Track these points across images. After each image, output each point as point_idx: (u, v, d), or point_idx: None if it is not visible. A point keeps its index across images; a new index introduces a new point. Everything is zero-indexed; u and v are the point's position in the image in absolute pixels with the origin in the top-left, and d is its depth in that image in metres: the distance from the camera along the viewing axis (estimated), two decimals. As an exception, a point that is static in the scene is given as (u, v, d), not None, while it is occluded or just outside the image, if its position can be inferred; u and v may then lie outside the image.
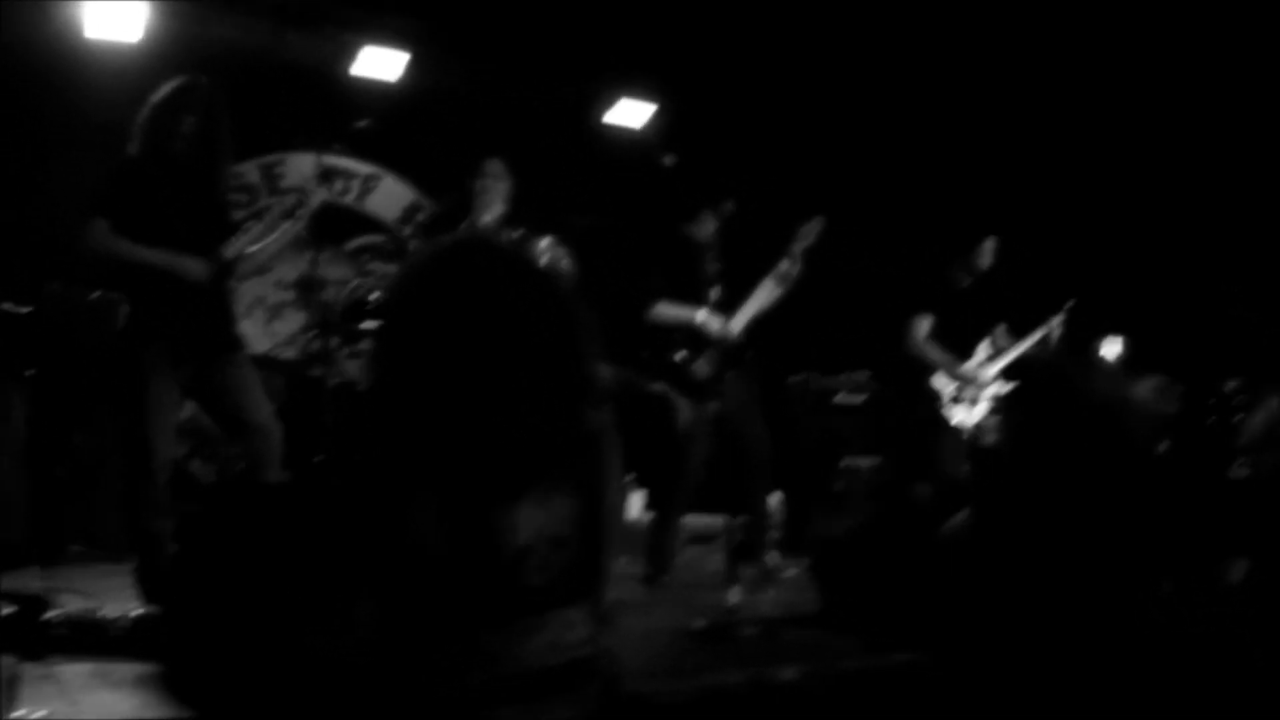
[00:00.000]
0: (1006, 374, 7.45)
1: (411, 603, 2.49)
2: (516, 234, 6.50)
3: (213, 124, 5.48)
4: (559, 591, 2.53)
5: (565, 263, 6.30)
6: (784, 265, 6.94)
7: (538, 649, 2.49)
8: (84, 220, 5.28)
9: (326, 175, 5.81)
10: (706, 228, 6.98)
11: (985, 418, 7.41)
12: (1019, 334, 7.67)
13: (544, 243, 6.36)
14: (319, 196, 5.68)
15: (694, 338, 6.78)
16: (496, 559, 2.45)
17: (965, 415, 7.41)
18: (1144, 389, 6.39)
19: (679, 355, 6.82)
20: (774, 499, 8.01)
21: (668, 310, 6.80)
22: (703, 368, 6.75)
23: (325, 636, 3.37)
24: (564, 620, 2.53)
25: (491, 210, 6.54)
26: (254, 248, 5.59)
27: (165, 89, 5.45)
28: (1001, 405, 7.43)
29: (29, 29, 7.59)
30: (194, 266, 5.36)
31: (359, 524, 2.54)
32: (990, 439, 7.44)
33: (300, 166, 5.79)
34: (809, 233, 7.02)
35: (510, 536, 2.45)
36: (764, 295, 6.98)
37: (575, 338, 2.50)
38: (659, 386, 6.61)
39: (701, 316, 6.67)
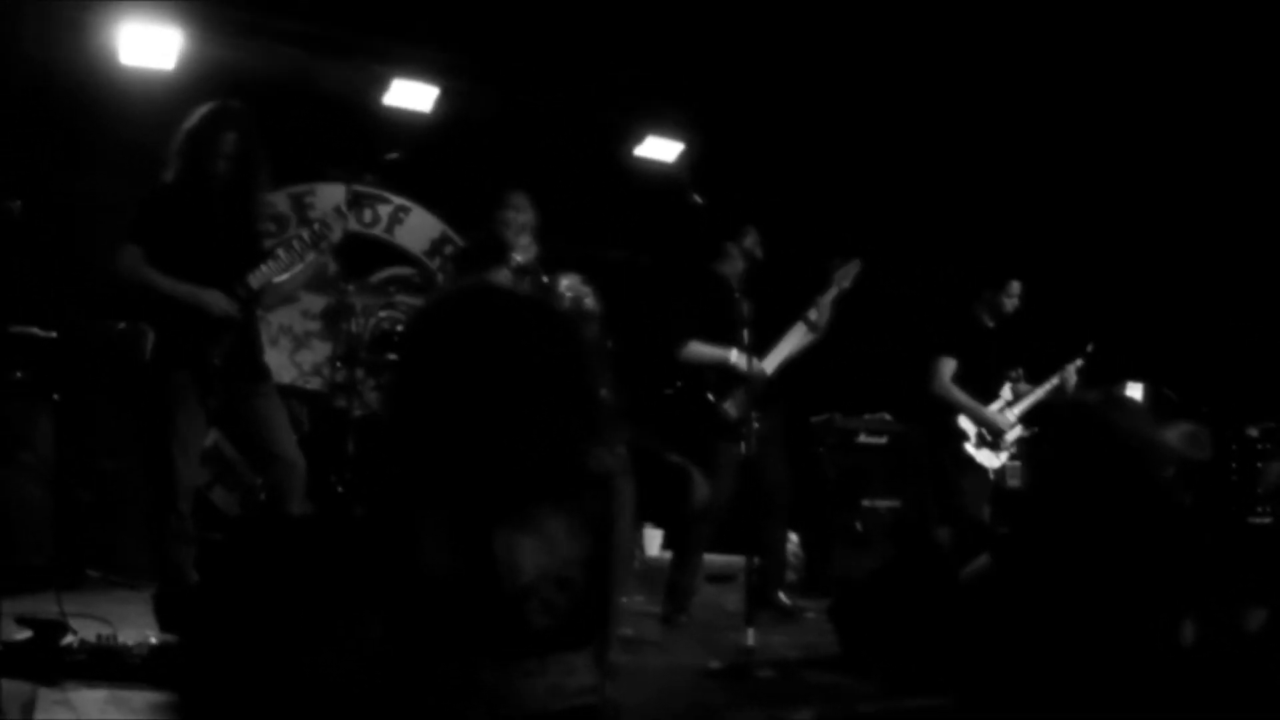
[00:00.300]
0: (1027, 419, 7.44)
1: (417, 631, 2.51)
2: (539, 272, 6.46)
3: (248, 147, 5.49)
4: (562, 635, 2.53)
5: (589, 300, 6.27)
6: (814, 314, 6.96)
7: (538, 692, 2.49)
8: (117, 246, 5.29)
9: (355, 203, 5.79)
10: (735, 265, 6.99)
11: (1009, 461, 7.40)
12: (1039, 378, 7.67)
13: (567, 280, 6.32)
14: (341, 226, 5.67)
15: (724, 377, 6.78)
16: (499, 596, 2.46)
17: (989, 459, 7.40)
18: (1175, 435, 6.36)
19: (709, 396, 6.83)
20: (792, 540, 8.00)
21: (701, 349, 6.81)
22: (732, 409, 6.76)
23: (334, 659, 3.39)
24: (566, 665, 2.53)
25: (519, 244, 6.54)
26: (280, 278, 5.59)
27: (201, 112, 5.47)
28: (1025, 448, 7.43)
29: (66, 56, 7.64)
30: (218, 301, 5.36)
31: (373, 549, 2.56)
32: (1014, 483, 7.43)
33: (330, 197, 5.81)
34: (847, 274, 7.05)
35: (513, 575, 2.46)
36: (795, 339, 6.99)
37: (585, 383, 2.56)
38: (676, 459, 6.57)
39: (734, 357, 6.67)
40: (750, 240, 7.04)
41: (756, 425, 6.52)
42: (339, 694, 3.64)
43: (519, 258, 6.45)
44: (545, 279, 6.35)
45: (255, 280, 5.43)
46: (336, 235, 5.68)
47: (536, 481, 2.49)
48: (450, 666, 2.48)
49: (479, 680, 2.47)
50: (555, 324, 2.58)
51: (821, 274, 7.15)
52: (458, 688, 2.48)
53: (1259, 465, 8.23)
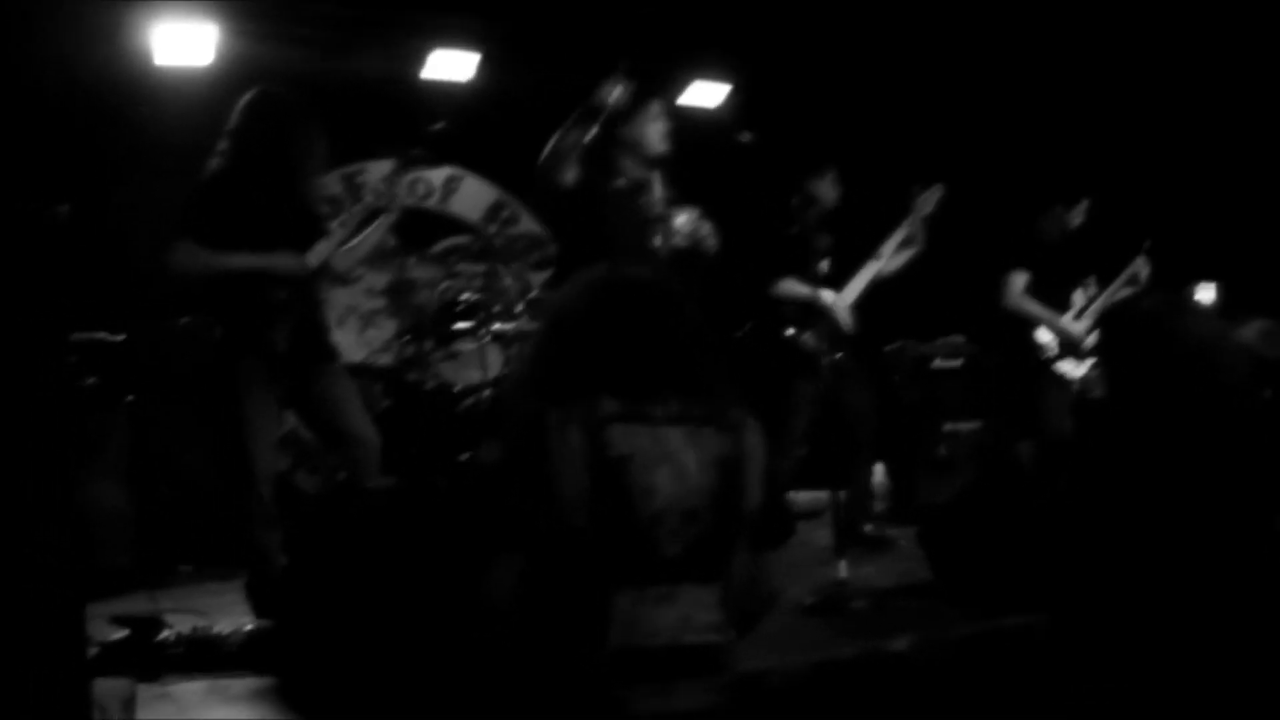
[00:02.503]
0: (1098, 322, 7.35)
1: (553, 559, 2.62)
2: (666, 199, 6.05)
3: (297, 129, 5.46)
4: (691, 566, 2.67)
5: (708, 237, 6.11)
6: (905, 233, 6.90)
7: (670, 623, 2.63)
8: (169, 244, 5.30)
9: (403, 169, 5.74)
10: (813, 203, 6.93)
11: (1090, 370, 7.33)
12: (1107, 283, 7.59)
13: (686, 216, 6.07)
14: (394, 193, 5.64)
15: (803, 311, 6.73)
16: (633, 520, 2.60)
17: (1071, 369, 7.34)
18: (1249, 332, 6.26)
19: (789, 330, 6.79)
20: (878, 470, 7.96)
21: (794, 286, 6.77)
22: (811, 341, 6.71)
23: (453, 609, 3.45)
24: (695, 598, 2.67)
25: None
26: (345, 246, 5.56)
27: (246, 99, 5.44)
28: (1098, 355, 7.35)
29: (102, 60, 7.67)
30: (285, 261, 5.33)
31: (514, 480, 2.66)
32: (1096, 392, 7.35)
33: (381, 173, 5.82)
34: (928, 200, 6.99)
35: (647, 499, 2.61)
36: (878, 266, 6.94)
37: (706, 348, 2.85)
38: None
39: (827, 297, 6.60)
40: (828, 179, 6.99)
41: (837, 358, 6.48)
42: (448, 643, 3.70)
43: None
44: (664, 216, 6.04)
45: (313, 259, 5.42)
46: (396, 201, 5.65)
47: (665, 409, 2.71)
48: (587, 593, 2.60)
49: (613, 604, 2.59)
50: (669, 301, 2.86)
51: (905, 200, 7.09)
52: (594, 614, 2.59)
53: None
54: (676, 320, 2.82)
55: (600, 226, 5.74)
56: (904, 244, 7.04)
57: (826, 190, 7.02)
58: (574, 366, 2.74)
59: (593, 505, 2.58)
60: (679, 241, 6.00)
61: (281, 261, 5.33)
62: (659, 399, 2.71)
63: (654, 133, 5.90)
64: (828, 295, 6.66)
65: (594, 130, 5.69)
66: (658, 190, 5.99)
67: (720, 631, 2.70)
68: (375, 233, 5.66)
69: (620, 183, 5.90)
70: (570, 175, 5.68)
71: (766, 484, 2.84)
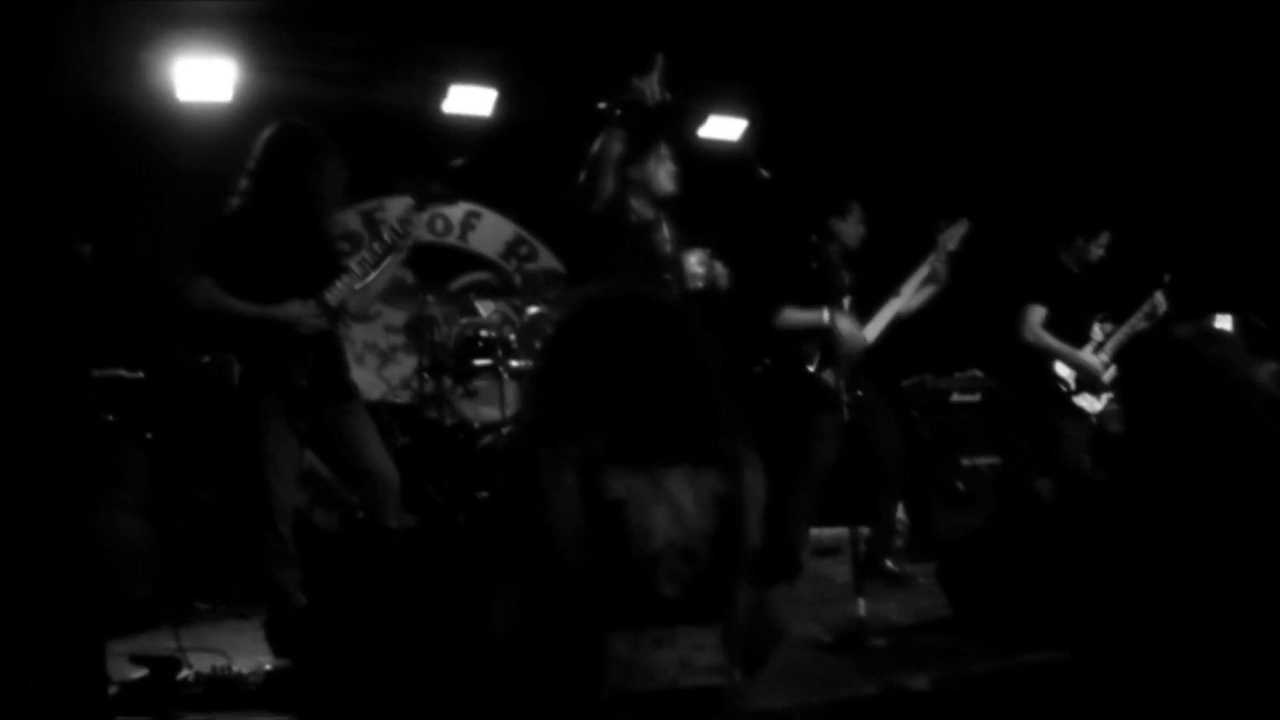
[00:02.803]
0: (1118, 357, 7.33)
1: (549, 602, 2.59)
2: (675, 239, 6.14)
3: (317, 164, 5.46)
4: (689, 607, 2.62)
5: (721, 276, 6.13)
6: (928, 270, 6.90)
7: (667, 665, 2.58)
8: (187, 280, 5.32)
9: (421, 207, 5.76)
10: (836, 240, 6.93)
11: (1108, 405, 7.31)
12: (1125, 315, 7.58)
13: (698, 255, 6.12)
14: (412, 228, 5.65)
15: (821, 347, 6.72)
16: (629, 563, 2.57)
17: (1089, 403, 7.33)
18: (1262, 373, 6.24)
19: (809, 366, 6.78)
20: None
21: (795, 315, 6.76)
22: (830, 378, 6.68)
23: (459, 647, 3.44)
24: (694, 640, 2.62)
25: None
26: (359, 285, 5.56)
27: (266, 134, 5.45)
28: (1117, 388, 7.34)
29: (124, 97, 7.72)
30: (301, 312, 5.36)
31: (510, 515, 2.66)
32: (1114, 426, 7.33)
33: (400, 209, 5.83)
34: (953, 235, 7.00)
35: (644, 541, 2.58)
36: (902, 302, 6.94)
37: (706, 374, 2.78)
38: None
39: (828, 317, 6.54)
40: (854, 215, 6.98)
41: (860, 394, 6.47)
42: (468, 681, 3.69)
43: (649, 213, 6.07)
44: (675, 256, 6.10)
45: (332, 297, 5.42)
46: (411, 237, 5.66)
47: (661, 449, 2.66)
48: (582, 635, 2.56)
49: (609, 649, 2.54)
50: (681, 324, 2.80)
51: (927, 236, 7.10)
52: (589, 657, 2.55)
53: None
54: (680, 341, 2.77)
55: (610, 261, 5.83)
56: (927, 281, 7.04)
57: (851, 228, 7.01)
58: (568, 397, 2.71)
59: (588, 546, 2.55)
60: (695, 283, 6.03)
61: (297, 312, 5.36)
62: (657, 436, 2.67)
63: (663, 174, 6.00)
64: (826, 314, 6.53)
65: (625, 139, 5.78)
66: (666, 230, 6.05)
67: (722, 674, 2.65)
68: (387, 272, 5.67)
69: (631, 220, 5.94)
70: (601, 198, 5.75)
71: (772, 520, 2.79)
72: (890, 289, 7.06)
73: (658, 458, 2.65)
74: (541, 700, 2.62)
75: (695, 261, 6.08)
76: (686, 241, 6.14)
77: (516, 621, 2.63)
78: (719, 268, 6.13)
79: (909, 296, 7.03)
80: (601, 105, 5.85)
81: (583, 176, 5.79)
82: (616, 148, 5.75)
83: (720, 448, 2.74)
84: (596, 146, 5.76)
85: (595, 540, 2.56)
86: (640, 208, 5.97)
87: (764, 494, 2.77)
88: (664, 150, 6.01)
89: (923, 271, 7.02)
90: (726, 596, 2.68)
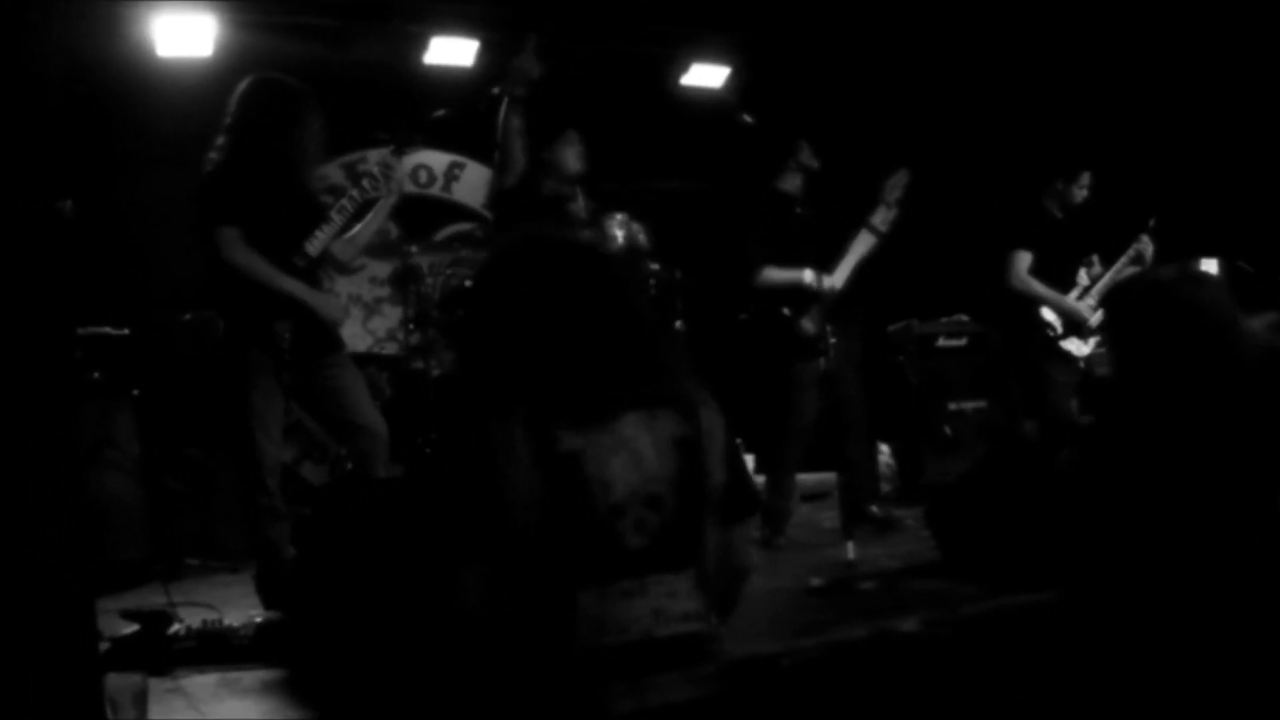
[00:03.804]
0: (1105, 300, 7.33)
1: (512, 566, 2.54)
2: (590, 209, 6.51)
3: (297, 116, 5.44)
4: (659, 554, 2.58)
5: (641, 237, 6.34)
6: (878, 216, 6.88)
7: (639, 615, 2.55)
8: (209, 231, 5.24)
9: (399, 153, 5.80)
10: (794, 180, 6.92)
11: (1096, 349, 7.32)
12: (1112, 260, 7.58)
13: (617, 219, 6.55)
14: (401, 175, 5.68)
15: (798, 295, 6.72)
16: (592, 516, 2.53)
17: (1077, 347, 7.34)
18: (1258, 324, 6.25)
19: (784, 313, 6.78)
20: (883, 450, 7.96)
21: (775, 273, 6.76)
22: (808, 325, 6.70)
23: (436, 612, 3.42)
24: (666, 587, 2.58)
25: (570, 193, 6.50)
26: (346, 235, 5.56)
27: (243, 87, 5.43)
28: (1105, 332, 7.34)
29: (104, 53, 7.67)
30: (328, 306, 5.45)
31: (464, 492, 2.59)
32: (1101, 370, 7.35)
33: (379, 158, 5.85)
34: (895, 185, 6.97)
35: (605, 492, 2.54)
36: (860, 247, 6.92)
37: (641, 314, 2.76)
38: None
39: (809, 276, 6.60)
40: (805, 154, 6.96)
41: (834, 340, 6.48)
42: (443, 645, 3.69)
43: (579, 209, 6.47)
44: (594, 222, 6.50)
45: (313, 247, 5.39)
46: (396, 184, 5.67)
47: (611, 396, 2.61)
48: (550, 596, 2.53)
49: (578, 606, 2.51)
50: (611, 266, 2.77)
51: (877, 183, 7.08)
52: (559, 616, 2.52)
53: None
54: (611, 285, 2.71)
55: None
56: (876, 227, 6.98)
57: (803, 166, 6.98)
58: (505, 353, 2.66)
59: (547, 505, 2.51)
60: (614, 245, 6.45)
61: (323, 304, 5.43)
62: (604, 383, 2.62)
63: (570, 155, 6.45)
64: (808, 274, 6.64)
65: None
66: (581, 202, 6.45)
67: (699, 619, 2.63)
68: (375, 219, 5.67)
69: (544, 193, 6.34)
70: (513, 171, 6.25)
71: (729, 459, 2.75)
72: (851, 231, 7.01)
73: (609, 406, 2.61)
74: (515, 665, 2.58)
75: (615, 224, 6.57)
76: (602, 210, 6.58)
77: (484, 595, 2.59)
78: (637, 226, 6.53)
79: (865, 242, 6.98)
80: (494, 90, 6.26)
81: (495, 156, 6.30)
82: (516, 122, 6.19)
83: (671, 389, 2.70)
84: (500, 127, 6.21)
85: (554, 498, 2.51)
86: (552, 185, 6.37)
87: (723, 432, 2.73)
88: (571, 135, 6.44)
89: (876, 216, 6.98)
90: (696, 540, 2.65)
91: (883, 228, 6.89)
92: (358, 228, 5.59)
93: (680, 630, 2.59)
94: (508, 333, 2.66)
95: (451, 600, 2.61)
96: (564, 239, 2.84)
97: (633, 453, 2.58)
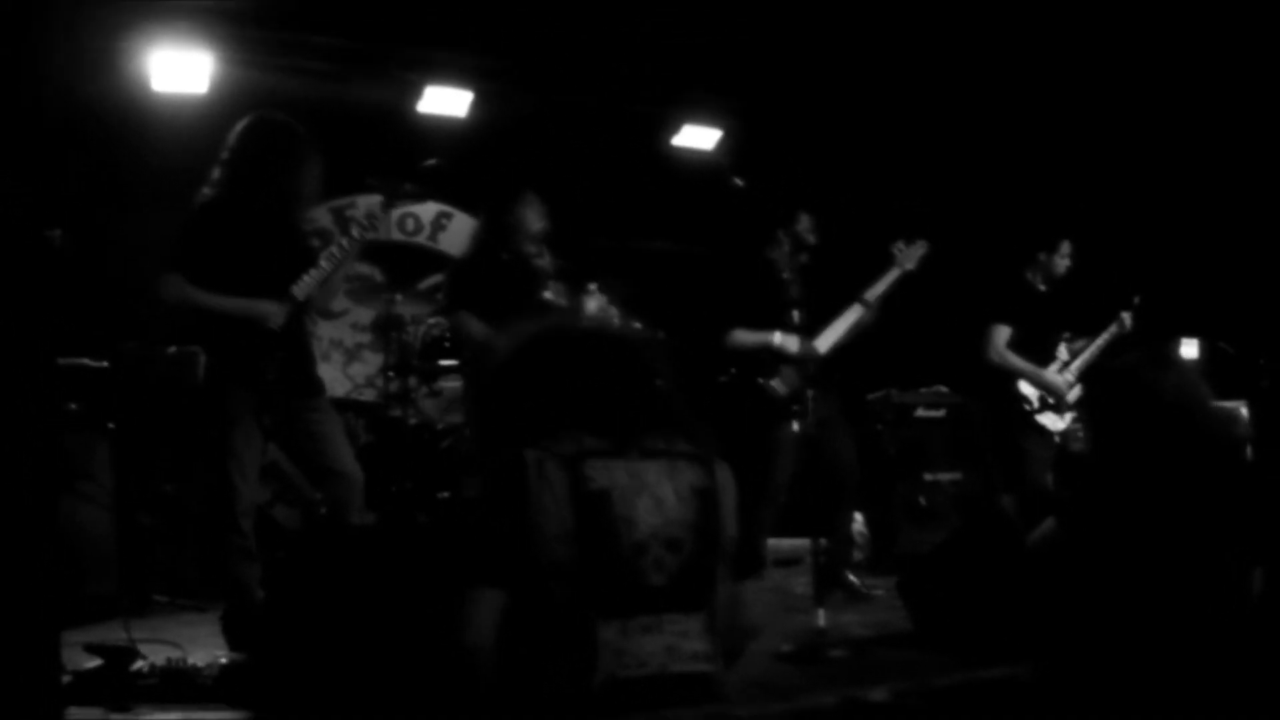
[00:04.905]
0: (1082, 379, 7.37)
1: (534, 597, 2.63)
2: (558, 266, 6.77)
3: (292, 157, 5.48)
4: (675, 595, 2.69)
5: (611, 309, 6.47)
6: (870, 294, 6.94)
7: (656, 650, 2.64)
8: (159, 275, 5.30)
9: (390, 205, 5.86)
10: (783, 250, 6.96)
11: (1072, 424, 7.34)
12: (1092, 336, 7.62)
13: (592, 291, 6.79)
14: (378, 223, 5.71)
15: (775, 358, 6.76)
16: (616, 551, 2.63)
17: (1053, 422, 7.35)
18: (1225, 411, 6.30)
19: (760, 378, 6.81)
20: (857, 518, 7.95)
21: (743, 336, 6.81)
22: (779, 388, 6.73)
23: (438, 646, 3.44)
24: (679, 626, 2.69)
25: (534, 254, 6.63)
26: (323, 276, 5.56)
27: (242, 125, 5.47)
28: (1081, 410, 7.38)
29: (99, 86, 7.68)
30: (270, 310, 5.36)
31: (496, 517, 2.68)
32: (1077, 445, 7.37)
33: (370, 207, 5.88)
34: (911, 256, 7.04)
35: (629, 529, 2.64)
36: (849, 317, 6.96)
37: (668, 392, 2.91)
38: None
39: (778, 339, 6.66)
40: (803, 225, 7.00)
41: (813, 404, 6.49)
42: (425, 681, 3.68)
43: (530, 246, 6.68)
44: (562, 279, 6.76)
45: (300, 291, 5.42)
46: (376, 232, 5.71)
47: (637, 446, 2.75)
48: (573, 626, 2.61)
49: (600, 637, 2.59)
50: (639, 348, 2.96)
51: (883, 255, 7.13)
52: (581, 646, 2.60)
53: None
54: (642, 364, 2.89)
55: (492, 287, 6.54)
56: (867, 303, 7.06)
57: (797, 236, 7.03)
58: (539, 406, 2.78)
59: (576, 539, 2.61)
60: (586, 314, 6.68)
61: (264, 309, 5.36)
62: (630, 435, 2.75)
63: (530, 215, 6.75)
64: (777, 336, 6.71)
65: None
66: (547, 259, 6.72)
67: (708, 660, 2.71)
68: (342, 268, 5.68)
69: (505, 257, 6.66)
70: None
71: (739, 517, 2.86)
72: (844, 300, 7.06)
73: (635, 452, 2.73)
74: (531, 695, 2.64)
75: (590, 297, 6.80)
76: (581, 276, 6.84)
77: (497, 624, 2.65)
78: (612, 311, 6.73)
79: (875, 305, 7.05)
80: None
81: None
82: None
83: (691, 445, 2.83)
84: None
85: (583, 532, 2.61)
86: (515, 244, 6.69)
87: (734, 490, 2.86)
88: (529, 196, 6.75)
89: (890, 278, 7.04)
90: (709, 585, 2.75)
91: (873, 300, 6.95)
92: (324, 274, 5.58)
93: (691, 669, 2.68)
94: (540, 384, 2.82)
95: (459, 633, 2.66)
96: (600, 328, 3.03)
97: (655, 496, 2.70)
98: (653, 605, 2.65)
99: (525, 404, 2.80)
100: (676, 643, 2.66)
